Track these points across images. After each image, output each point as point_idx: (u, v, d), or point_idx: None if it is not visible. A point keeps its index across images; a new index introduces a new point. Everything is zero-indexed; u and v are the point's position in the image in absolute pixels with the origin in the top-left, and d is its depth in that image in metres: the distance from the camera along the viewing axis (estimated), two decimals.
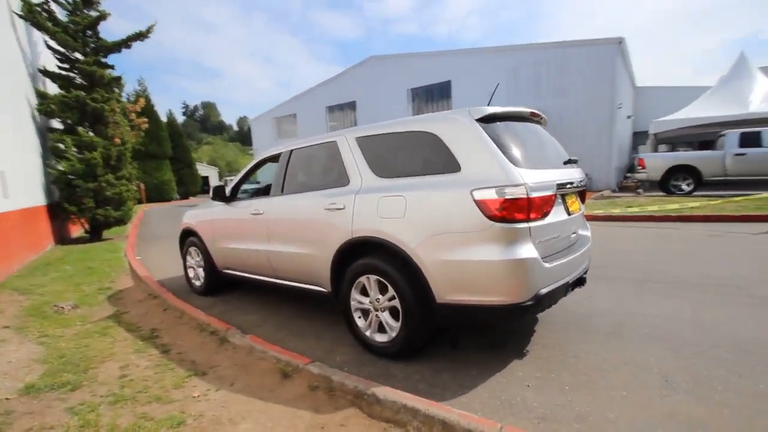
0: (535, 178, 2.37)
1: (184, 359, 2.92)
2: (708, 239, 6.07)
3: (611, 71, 14.91)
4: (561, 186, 2.65)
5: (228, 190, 4.24)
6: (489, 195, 2.28)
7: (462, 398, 2.25)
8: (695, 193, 11.36)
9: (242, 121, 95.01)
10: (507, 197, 2.26)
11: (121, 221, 9.82)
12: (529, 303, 2.32)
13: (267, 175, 4.51)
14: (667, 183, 11.79)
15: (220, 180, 45.02)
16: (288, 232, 3.44)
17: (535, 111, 2.97)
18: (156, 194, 26.40)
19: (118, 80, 9.92)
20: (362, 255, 2.88)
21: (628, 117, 18.55)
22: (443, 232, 2.43)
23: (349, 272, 2.92)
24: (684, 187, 11.61)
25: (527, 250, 2.31)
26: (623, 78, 16.77)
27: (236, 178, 4.33)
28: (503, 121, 2.64)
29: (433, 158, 2.61)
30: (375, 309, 2.84)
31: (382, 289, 2.78)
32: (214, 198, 4.22)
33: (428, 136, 2.66)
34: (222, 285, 4.73)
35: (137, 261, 6.44)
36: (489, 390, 2.32)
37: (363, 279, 2.86)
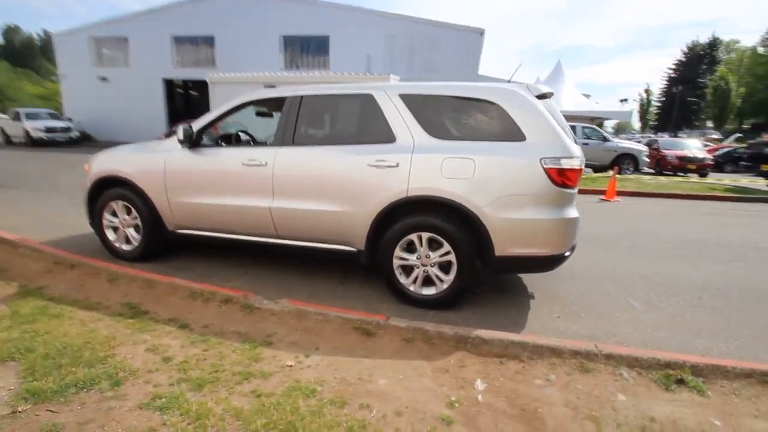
0: (578, 152, 2.89)
1: (221, 331, 2.51)
2: None
3: (475, 56, 17.05)
4: None
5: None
6: (555, 164, 2.70)
7: (525, 331, 2.72)
8: None
9: (12, 32, 69.25)
10: (568, 167, 2.72)
11: None
12: (567, 253, 2.90)
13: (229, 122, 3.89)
14: None
15: None
16: (309, 187, 3.16)
17: (551, 90, 3.47)
18: None
19: None
20: (411, 213, 2.96)
21: None
22: (511, 193, 2.75)
23: (395, 230, 2.97)
24: None
25: (575, 211, 2.86)
26: None
27: (203, 120, 3.58)
28: (543, 99, 3.06)
29: (497, 126, 2.85)
30: (423, 265, 3.00)
31: (434, 246, 2.95)
32: (184, 141, 3.40)
33: (492, 106, 2.87)
34: (164, 248, 3.94)
35: None
36: (536, 323, 2.86)
37: (413, 236, 2.96)
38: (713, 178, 13.30)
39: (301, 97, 3.30)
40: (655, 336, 2.74)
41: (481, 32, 16.97)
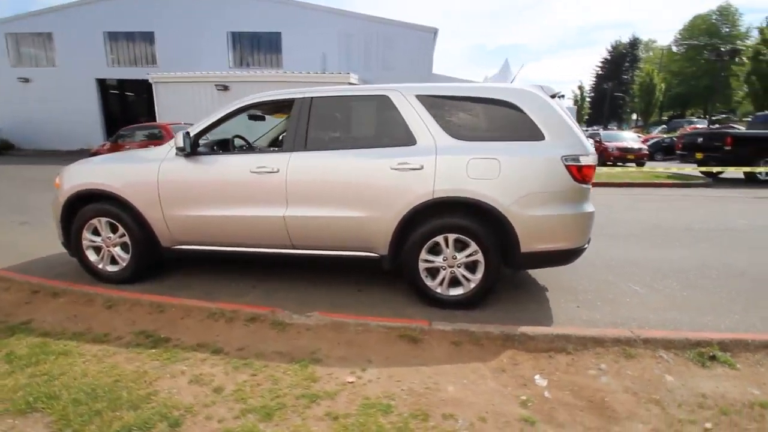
0: (592, 149, 3.04)
1: (261, 353, 2.34)
2: None
3: (429, 55, 17.35)
4: None
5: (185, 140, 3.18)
6: (575, 161, 2.82)
7: (556, 324, 2.82)
8: None
9: None
10: (586, 163, 2.86)
11: None
12: (586, 246, 3.05)
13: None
14: None
15: None
16: (328, 194, 3.04)
17: (560, 91, 3.59)
18: None
19: None
20: (436, 215, 2.95)
21: None
22: (535, 191, 2.84)
23: (421, 233, 2.95)
24: None
25: (591, 205, 3.00)
26: None
27: (199, 126, 3.31)
28: (554, 98, 3.17)
29: (516, 126, 2.92)
30: (449, 266, 3.01)
31: (458, 246, 2.97)
32: (183, 149, 3.12)
33: (510, 107, 2.93)
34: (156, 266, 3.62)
35: None
36: (561, 315, 2.98)
37: (438, 238, 2.96)
38: (648, 167, 14.64)
39: (311, 99, 3.16)
40: (668, 317, 2.96)
41: (434, 31, 17.30)
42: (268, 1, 17.66)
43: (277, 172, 3.07)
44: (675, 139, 16.48)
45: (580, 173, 2.84)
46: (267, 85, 14.90)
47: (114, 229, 3.42)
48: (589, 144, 2.95)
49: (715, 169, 10.69)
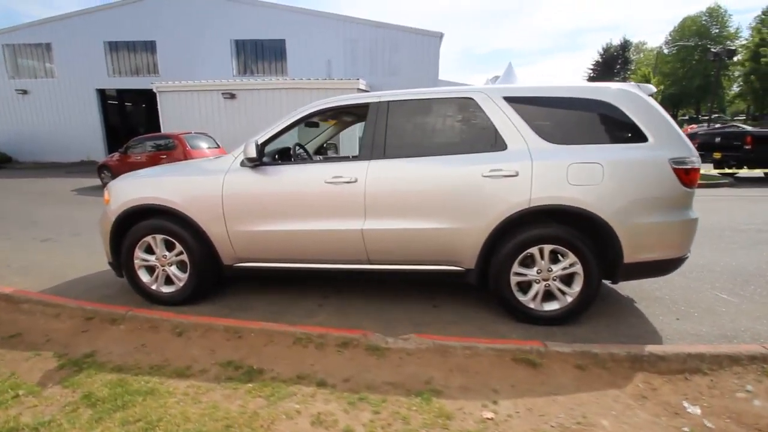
0: (695, 151, 2.85)
1: (371, 385, 2.10)
2: None
3: (435, 59, 17.26)
4: None
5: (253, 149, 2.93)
6: (683, 165, 2.63)
7: (666, 340, 2.61)
8: None
9: None
10: (693, 166, 2.67)
11: None
12: (688, 255, 2.85)
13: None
14: None
15: None
16: (411, 204, 2.82)
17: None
18: None
19: None
20: (530, 225, 2.74)
21: None
22: (641, 198, 2.64)
23: (514, 244, 2.74)
24: None
25: (695, 211, 2.81)
26: None
27: (265, 135, 3.08)
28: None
29: (616, 128, 2.73)
30: (544, 279, 2.79)
31: (555, 258, 2.77)
32: (254, 160, 2.88)
33: (607, 107, 2.74)
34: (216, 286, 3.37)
35: None
36: (667, 328, 2.77)
37: (533, 250, 2.74)
38: None
39: (388, 102, 2.95)
40: None
41: (440, 36, 17.24)
42: (271, 8, 17.49)
43: (355, 182, 2.85)
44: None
45: (687, 177, 2.65)
46: (274, 92, 14.72)
47: (170, 247, 3.17)
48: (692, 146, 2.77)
49: (731, 170, 10.62)
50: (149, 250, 3.21)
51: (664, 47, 49.63)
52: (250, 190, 2.99)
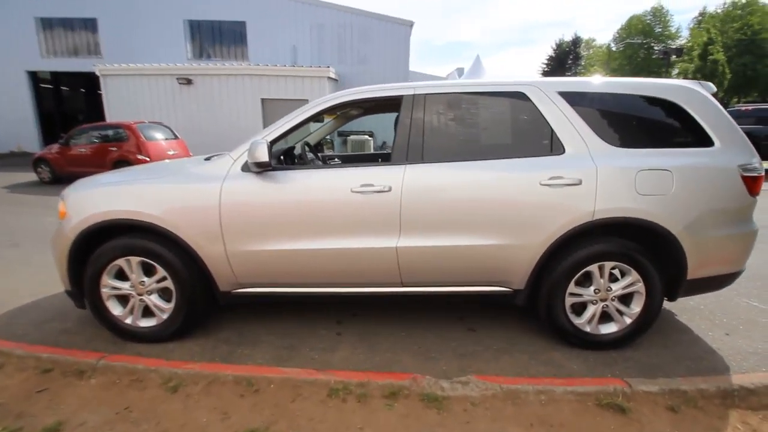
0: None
1: None
2: None
3: (405, 48, 16.77)
4: None
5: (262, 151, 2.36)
6: (751, 172, 2.40)
7: (730, 363, 2.40)
8: None
9: None
10: (761, 174, 2.45)
11: None
12: (743, 269, 2.64)
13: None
14: None
15: None
16: (456, 217, 2.39)
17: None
18: None
19: None
20: (590, 240, 2.42)
21: None
22: (710, 209, 2.39)
23: (572, 261, 2.40)
24: None
25: (755, 222, 2.60)
26: None
27: (273, 132, 2.52)
28: None
29: (680, 130, 2.46)
30: (602, 300, 2.49)
31: (612, 276, 2.47)
32: (264, 165, 2.30)
33: (671, 106, 2.45)
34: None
35: None
36: (723, 348, 2.56)
37: (592, 267, 2.42)
38: None
39: (425, 96, 2.48)
40: None
41: (410, 24, 16.76)
42: None
43: (389, 191, 2.37)
44: None
45: (754, 185, 2.42)
46: (236, 78, 13.65)
47: (149, 272, 2.54)
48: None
49: None
50: (121, 275, 2.56)
51: (612, 44, 52.27)
52: (258, 202, 2.42)
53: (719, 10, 40.48)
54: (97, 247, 2.51)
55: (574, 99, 2.45)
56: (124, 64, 13.81)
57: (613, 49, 51.50)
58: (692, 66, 26.42)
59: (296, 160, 3.14)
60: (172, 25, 16.29)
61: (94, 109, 16.96)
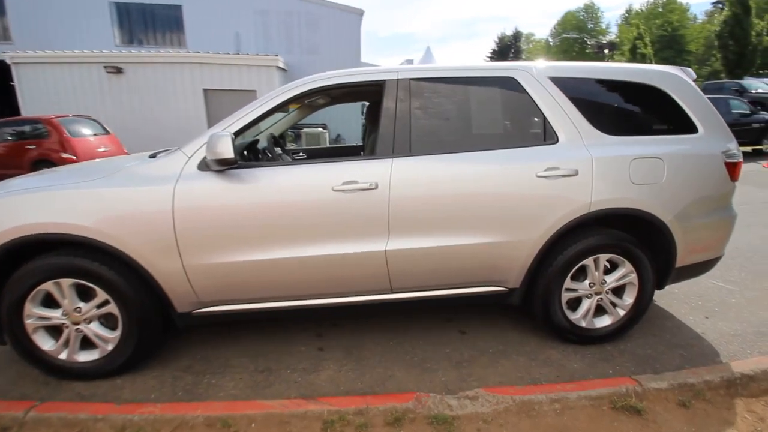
0: None
1: None
2: None
3: (356, 38, 16.34)
4: None
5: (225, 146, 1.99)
6: (732, 158, 2.41)
7: (713, 343, 2.43)
8: None
9: None
10: (740, 159, 2.47)
11: None
12: (724, 254, 2.69)
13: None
14: None
15: None
16: (451, 215, 2.18)
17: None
18: None
19: None
20: (586, 232, 2.32)
21: None
22: (698, 196, 2.39)
23: (569, 255, 2.30)
24: None
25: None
26: None
27: (234, 124, 2.14)
28: None
29: (666, 116, 2.42)
30: (596, 293, 2.41)
31: (607, 270, 2.40)
32: (230, 162, 1.93)
33: (655, 92, 2.39)
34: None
35: None
36: (709, 332, 2.59)
37: (587, 261, 2.33)
38: None
39: (409, 80, 2.22)
40: None
41: (360, 13, 16.34)
42: None
43: (375, 188, 2.10)
44: None
45: (734, 170, 2.44)
46: (173, 67, 12.55)
47: (86, 294, 2.09)
48: None
49: None
50: (49, 302, 2.09)
51: (549, 39, 54.99)
52: (220, 205, 2.05)
53: (644, 8, 44.01)
54: (16, 269, 2.02)
55: (565, 84, 2.31)
56: (40, 50, 12.18)
57: (551, 43, 54.18)
58: (624, 60, 28.49)
59: (260, 156, 2.77)
60: (95, 7, 14.61)
61: (7, 103, 14.90)
